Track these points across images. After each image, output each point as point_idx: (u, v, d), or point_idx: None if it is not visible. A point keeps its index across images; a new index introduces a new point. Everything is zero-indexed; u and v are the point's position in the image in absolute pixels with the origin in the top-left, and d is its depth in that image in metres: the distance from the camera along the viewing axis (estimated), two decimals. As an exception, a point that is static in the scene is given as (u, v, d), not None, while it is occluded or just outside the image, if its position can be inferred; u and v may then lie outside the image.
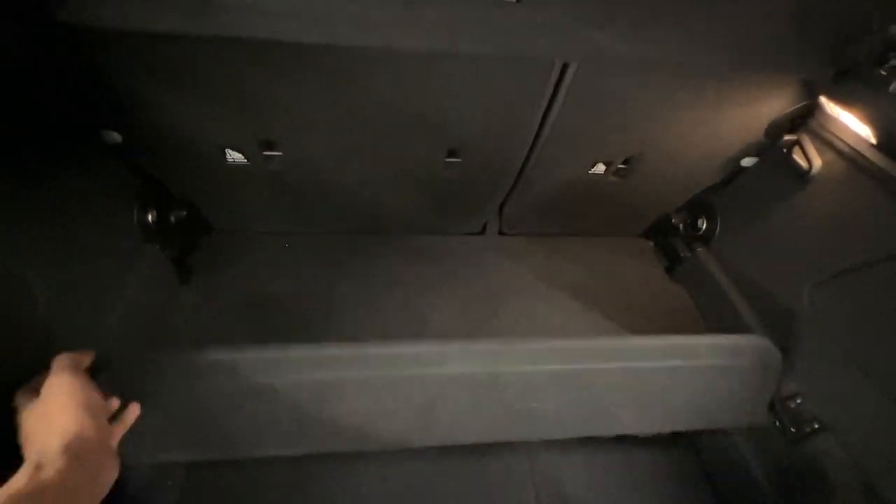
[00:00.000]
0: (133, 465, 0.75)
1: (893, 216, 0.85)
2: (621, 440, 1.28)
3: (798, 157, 1.01)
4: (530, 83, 0.85)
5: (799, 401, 1.03)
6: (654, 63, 0.82)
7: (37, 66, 0.73)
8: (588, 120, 0.95)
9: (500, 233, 1.45)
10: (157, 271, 1.07)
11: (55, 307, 0.77)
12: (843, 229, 0.94)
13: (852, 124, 0.92)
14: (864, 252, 0.89)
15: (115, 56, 0.74)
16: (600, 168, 1.15)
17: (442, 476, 1.20)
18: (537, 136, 0.98)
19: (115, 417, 0.67)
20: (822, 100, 0.97)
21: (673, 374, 0.98)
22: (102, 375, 0.72)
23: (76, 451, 0.53)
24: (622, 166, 1.13)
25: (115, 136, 0.90)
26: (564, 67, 0.82)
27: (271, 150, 0.98)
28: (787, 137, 1.03)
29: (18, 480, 0.48)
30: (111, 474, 0.58)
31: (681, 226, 1.39)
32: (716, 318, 1.26)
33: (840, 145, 0.94)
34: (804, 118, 1.02)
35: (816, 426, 0.99)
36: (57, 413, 0.57)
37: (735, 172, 1.20)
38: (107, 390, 0.67)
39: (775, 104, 0.98)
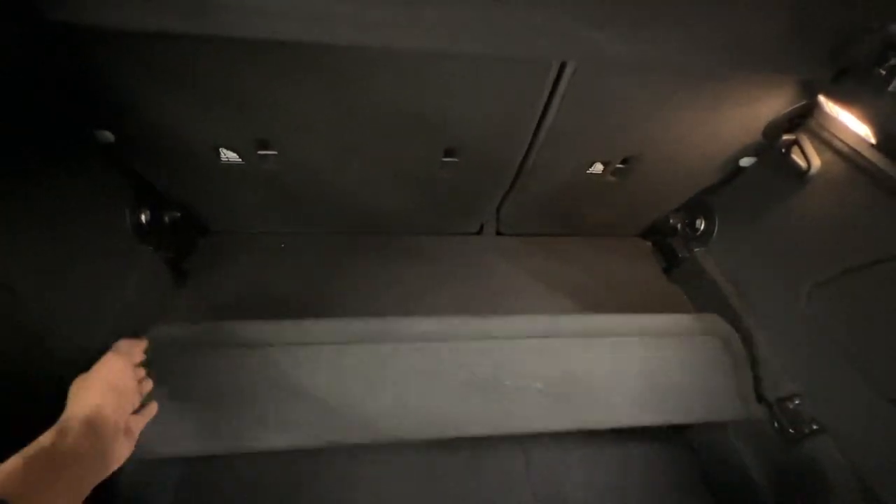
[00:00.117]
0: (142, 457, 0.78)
1: (892, 216, 0.84)
2: (618, 438, 1.28)
3: (796, 157, 1.00)
4: (528, 83, 0.84)
5: (797, 402, 1.02)
6: (653, 63, 0.82)
7: (34, 65, 0.72)
8: (586, 120, 0.95)
9: (498, 233, 1.45)
10: (152, 273, 1.06)
11: (45, 311, 0.76)
12: (841, 230, 0.94)
13: (851, 124, 0.92)
14: (863, 253, 0.89)
15: (111, 55, 0.73)
16: (598, 168, 1.15)
17: (437, 473, 1.19)
18: (535, 136, 0.97)
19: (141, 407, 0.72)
20: (821, 99, 0.97)
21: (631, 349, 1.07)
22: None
23: (94, 425, 0.59)
24: (620, 166, 1.13)
25: (108, 136, 0.89)
26: (562, 67, 0.82)
27: (266, 149, 0.97)
28: (785, 137, 1.02)
29: (43, 440, 0.54)
30: (122, 454, 0.63)
31: (679, 226, 1.39)
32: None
33: (839, 145, 0.93)
34: (803, 118, 1.01)
35: (815, 427, 0.98)
36: (90, 388, 0.64)
37: (733, 173, 1.19)
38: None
39: (774, 104, 0.97)
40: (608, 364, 1.06)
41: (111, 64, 0.75)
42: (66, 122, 0.83)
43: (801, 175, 0.99)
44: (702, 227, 1.31)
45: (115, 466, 0.61)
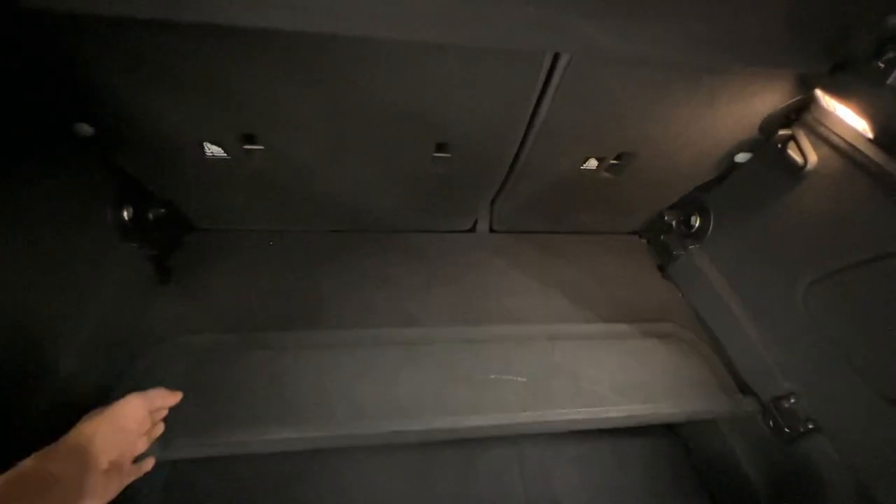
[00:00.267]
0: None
1: (890, 213, 0.83)
2: (612, 438, 1.27)
3: (793, 153, 0.99)
4: (521, 76, 0.82)
5: (793, 400, 1.01)
6: (647, 56, 0.80)
7: (4, 55, 0.69)
8: (580, 114, 0.93)
9: (491, 230, 1.43)
10: (135, 271, 1.03)
11: (21, 311, 0.73)
12: (838, 226, 0.92)
13: (848, 118, 0.90)
14: (861, 250, 0.88)
15: (87, 44, 0.71)
16: (592, 164, 1.13)
17: (431, 473, 1.19)
18: (528, 130, 0.96)
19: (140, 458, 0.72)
20: (818, 93, 0.95)
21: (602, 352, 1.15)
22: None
23: (81, 454, 0.60)
24: (615, 162, 1.11)
25: (87, 129, 0.86)
26: (555, 60, 0.80)
27: (253, 144, 0.95)
28: (781, 132, 1.01)
29: (29, 462, 0.55)
30: (105, 492, 0.62)
31: (674, 223, 1.38)
32: (708, 317, 1.25)
33: (836, 140, 0.92)
34: (799, 113, 1.00)
35: (811, 426, 0.98)
36: (94, 420, 0.63)
37: (729, 169, 1.18)
38: None
39: (770, 98, 0.96)
40: (589, 360, 1.12)
41: (87, 53, 0.72)
42: (41, 115, 0.81)
43: (797, 171, 0.98)
44: (697, 224, 1.30)
45: (95, 501, 0.60)
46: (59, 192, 0.83)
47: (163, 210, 1.09)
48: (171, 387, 0.91)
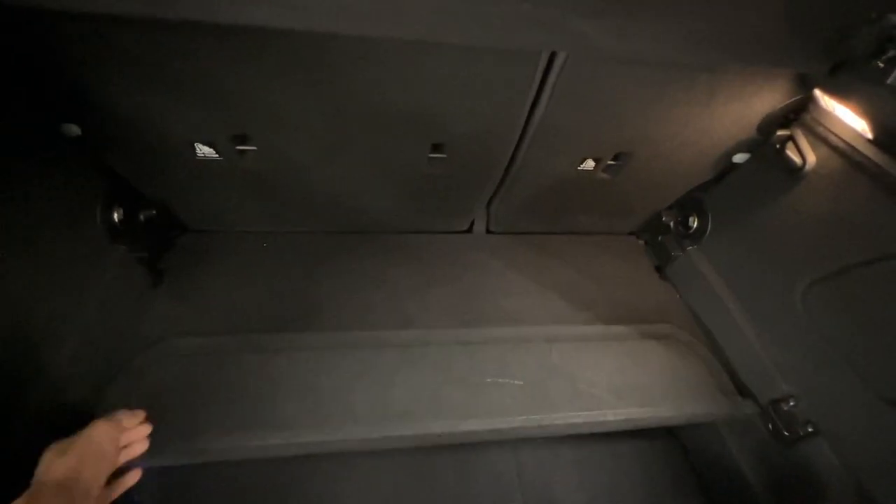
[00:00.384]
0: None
1: (890, 214, 0.82)
2: (610, 441, 1.26)
3: (791, 153, 0.98)
4: (517, 75, 0.81)
5: (792, 403, 1.01)
6: (645, 55, 0.79)
7: None
8: (577, 114, 0.92)
9: (488, 231, 1.42)
10: (126, 274, 1.02)
11: (8, 315, 0.72)
12: (837, 227, 0.91)
13: (848, 118, 0.89)
14: (860, 251, 0.87)
15: (74, 42, 0.69)
16: (590, 164, 1.12)
17: (427, 477, 1.18)
18: (525, 131, 0.95)
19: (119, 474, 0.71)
20: (817, 93, 0.94)
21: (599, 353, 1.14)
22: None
23: (68, 489, 0.59)
24: (612, 163, 1.10)
25: (75, 129, 0.84)
26: (552, 59, 0.79)
27: (245, 145, 0.93)
28: (780, 133, 1.00)
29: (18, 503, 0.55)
30: None
31: (671, 224, 1.37)
32: (707, 319, 1.24)
33: (835, 140, 0.91)
34: (798, 112, 0.99)
35: (810, 429, 0.97)
36: (69, 451, 0.62)
37: (727, 169, 1.17)
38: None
39: (768, 98, 0.95)
40: (586, 362, 1.11)
41: (74, 52, 0.71)
42: (26, 115, 0.79)
43: (795, 171, 0.97)
44: (695, 225, 1.30)
45: None
46: (46, 194, 0.82)
47: (154, 211, 1.07)
48: (163, 390, 0.92)
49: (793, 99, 0.96)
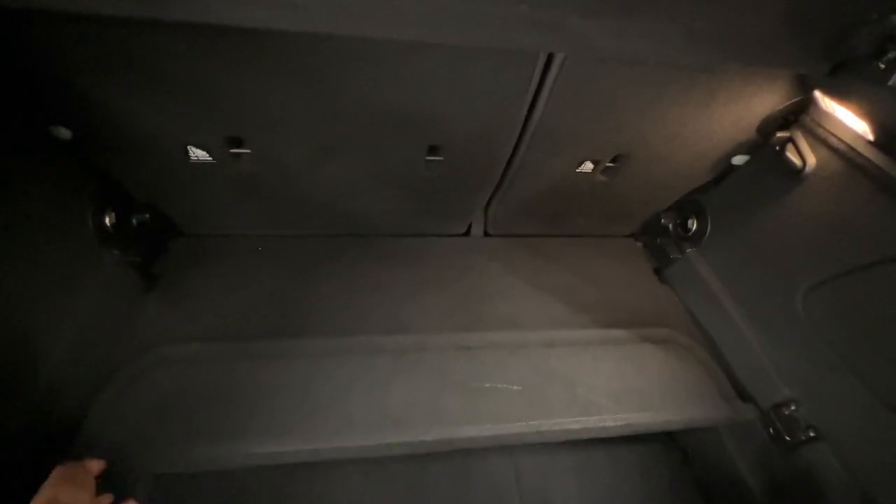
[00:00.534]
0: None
1: (891, 216, 0.81)
2: (609, 446, 1.25)
3: (791, 155, 0.97)
4: (514, 76, 0.81)
5: (793, 407, 1.00)
6: (643, 56, 0.78)
7: None
8: (575, 116, 0.91)
9: (486, 234, 1.41)
10: (119, 278, 1.00)
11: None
12: (838, 230, 0.91)
13: (848, 120, 0.89)
14: (861, 254, 0.86)
15: (65, 44, 0.68)
16: (588, 166, 1.11)
17: (425, 484, 1.16)
18: (522, 132, 0.94)
19: None
20: (817, 95, 0.94)
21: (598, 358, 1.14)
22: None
23: None
24: (610, 165, 1.09)
25: (65, 133, 0.83)
26: (549, 60, 0.79)
27: (239, 148, 0.92)
28: (779, 134, 1.00)
29: None
30: None
31: (670, 226, 1.36)
32: (706, 322, 1.23)
33: (835, 142, 0.90)
34: (798, 114, 0.98)
35: (811, 434, 0.96)
36: None
37: (726, 171, 1.17)
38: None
39: (768, 99, 0.94)
40: (585, 367, 1.11)
41: (65, 54, 0.69)
42: (15, 117, 0.77)
43: (795, 173, 0.97)
44: (694, 227, 1.29)
45: None
46: (35, 198, 0.80)
47: (147, 215, 1.06)
48: (156, 397, 0.90)
49: (793, 100, 0.95)
